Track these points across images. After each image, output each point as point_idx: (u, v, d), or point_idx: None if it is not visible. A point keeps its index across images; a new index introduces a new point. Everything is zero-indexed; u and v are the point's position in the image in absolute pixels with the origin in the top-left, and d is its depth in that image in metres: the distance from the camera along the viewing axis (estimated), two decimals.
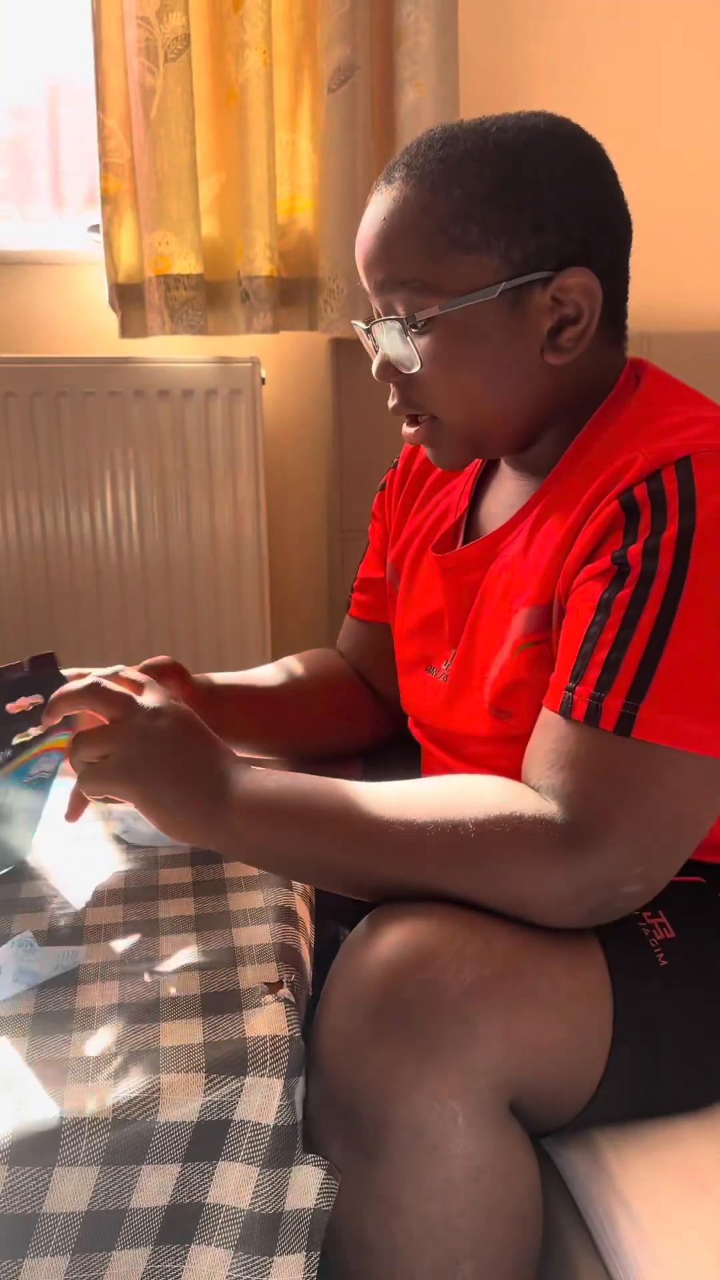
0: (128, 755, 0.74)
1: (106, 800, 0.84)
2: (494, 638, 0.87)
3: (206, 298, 1.72)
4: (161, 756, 0.75)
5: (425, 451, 0.91)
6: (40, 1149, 0.61)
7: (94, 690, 0.77)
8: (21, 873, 0.89)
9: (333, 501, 1.93)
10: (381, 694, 1.12)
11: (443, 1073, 0.65)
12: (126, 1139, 0.63)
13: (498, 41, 1.86)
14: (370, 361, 0.87)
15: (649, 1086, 0.76)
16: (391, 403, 0.87)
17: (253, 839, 0.75)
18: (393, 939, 0.68)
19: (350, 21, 1.65)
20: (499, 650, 0.85)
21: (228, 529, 1.85)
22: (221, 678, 1.06)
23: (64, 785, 0.87)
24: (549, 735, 0.74)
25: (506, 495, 0.92)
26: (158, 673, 0.94)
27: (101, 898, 0.85)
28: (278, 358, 1.90)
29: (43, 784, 0.88)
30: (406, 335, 0.81)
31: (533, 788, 0.73)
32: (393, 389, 0.86)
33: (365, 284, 0.85)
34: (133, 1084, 0.64)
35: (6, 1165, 0.60)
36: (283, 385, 1.94)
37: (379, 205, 0.82)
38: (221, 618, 1.88)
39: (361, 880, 0.74)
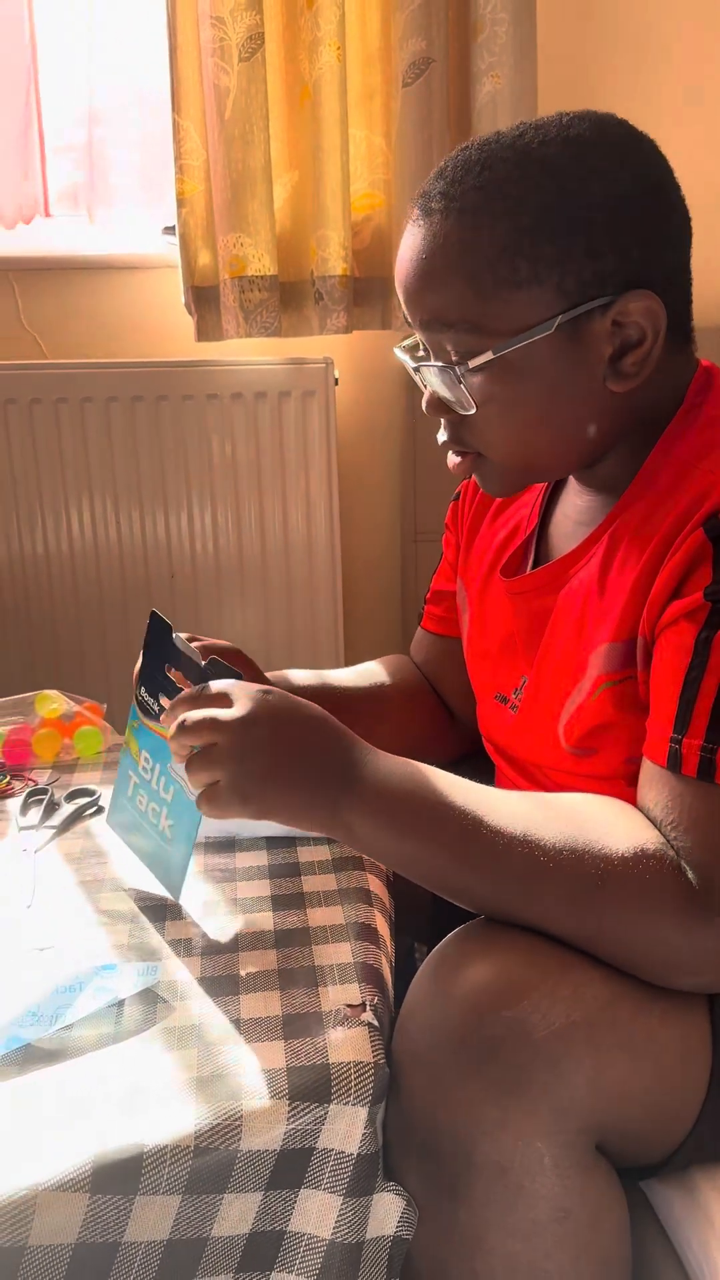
0: (235, 781, 0.71)
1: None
2: (567, 670, 0.82)
3: (280, 299, 1.71)
4: (268, 772, 0.71)
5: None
6: (122, 1177, 0.59)
7: (180, 728, 0.73)
8: (97, 886, 0.88)
9: (406, 504, 1.90)
10: (452, 708, 1.09)
11: (529, 1113, 0.62)
12: (208, 1167, 0.62)
13: (576, 31, 1.82)
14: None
15: None
16: (441, 437, 0.82)
17: (371, 841, 0.73)
18: (480, 971, 0.65)
19: (426, 13, 1.63)
20: (575, 685, 0.81)
21: (301, 531, 1.84)
22: (299, 676, 1.04)
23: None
24: (661, 791, 0.70)
25: (576, 513, 0.87)
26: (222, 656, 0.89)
27: (179, 912, 0.83)
28: (351, 358, 1.89)
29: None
30: (459, 379, 0.76)
31: None
32: (443, 423, 0.82)
33: (408, 317, 0.80)
34: (215, 1110, 0.63)
35: (88, 1193, 0.58)
36: (356, 386, 1.92)
37: (417, 239, 0.76)
38: (294, 621, 1.87)
39: (472, 900, 0.71)
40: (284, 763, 0.72)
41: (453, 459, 0.83)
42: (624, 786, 0.76)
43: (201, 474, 1.80)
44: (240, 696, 0.74)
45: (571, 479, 0.88)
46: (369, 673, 1.09)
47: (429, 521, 1.86)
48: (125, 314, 1.84)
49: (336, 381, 1.79)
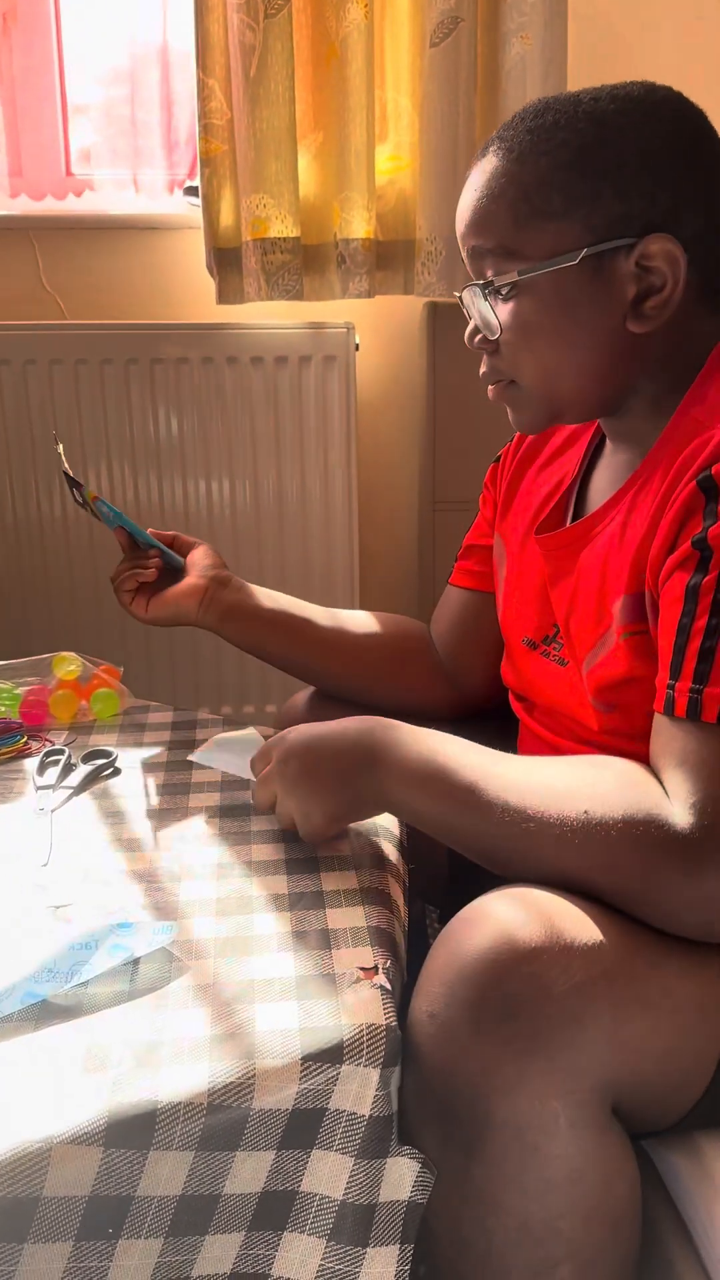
0: (299, 810, 0.83)
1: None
2: (591, 623, 0.85)
3: (303, 262, 1.69)
4: (312, 790, 0.82)
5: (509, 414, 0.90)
6: (136, 1132, 0.60)
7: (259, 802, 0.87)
8: (113, 846, 0.88)
9: (425, 472, 1.89)
10: (463, 665, 1.12)
11: (546, 1072, 0.62)
12: (221, 1124, 0.62)
13: None
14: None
15: None
16: (482, 370, 0.87)
17: (404, 807, 0.80)
18: (497, 928, 0.65)
19: None
20: (599, 637, 0.84)
21: (318, 496, 1.83)
22: (273, 601, 1.12)
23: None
24: (659, 738, 0.72)
25: (610, 470, 0.90)
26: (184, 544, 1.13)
27: (194, 873, 0.84)
28: (372, 322, 1.87)
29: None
30: (488, 300, 0.82)
31: None
32: (484, 357, 0.86)
33: (462, 249, 0.85)
34: (228, 1068, 0.63)
35: (102, 1147, 0.59)
36: (377, 352, 1.90)
37: (474, 178, 0.83)
38: (311, 584, 1.87)
39: (490, 856, 0.75)
40: (320, 778, 0.82)
41: (491, 387, 0.88)
42: (648, 745, 0.77)
43: (220, 438, 1.79)
44: (272, 746, 0.86)
45: (608, 438, 0.91)
46: (346, 615, 1.15)
47: (448, 490, 1.84)
48: (146, 275, 1.83)
49: (357, 347, 1.78)
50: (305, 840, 0.85)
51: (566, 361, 0.82)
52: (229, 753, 1.03)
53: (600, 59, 1.78)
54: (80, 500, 1.15)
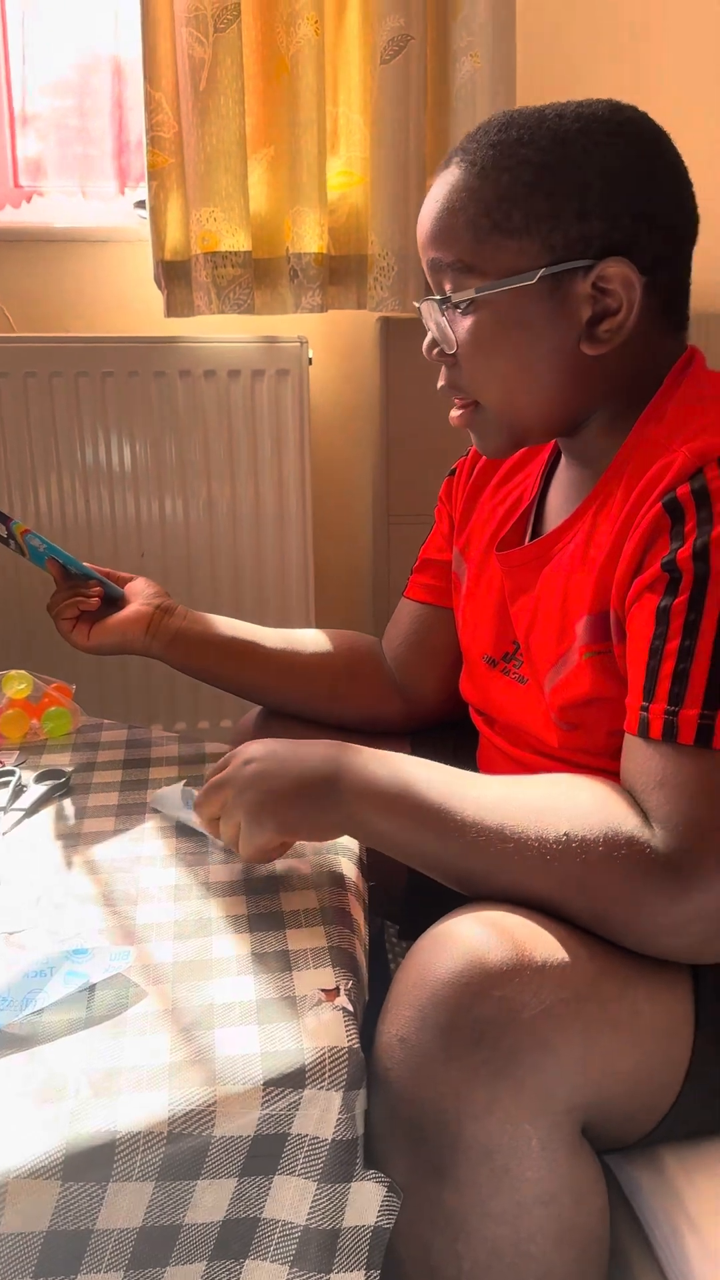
0: (249, 815, 0.78)
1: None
2: (552, 641, 0.85)
3: (254, 276, 1.69)
4: (269, 793, 0.78)
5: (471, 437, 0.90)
6: (94, 1164, 0.58)
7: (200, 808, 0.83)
8: (67, 869, 0.87)
9: (379, 485, 1.89)
10: (415, 679, 1.11)
11: (517, 1095, 0.62)
12: (182, 1153, 0.61)
13: (556, 11, 1.80)
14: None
15: None
16: (440, 383, 0.87)
17: (366, 829, 0.77)
18: (467, 950, 0.65)
19: None
20: (561, 656, 0.84)
21: (272, 511, 1.82)
22: (219, 626, 1.11)
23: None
24: (634, 759, 0.72)
25: (566, 487, 0.91)
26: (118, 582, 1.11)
27: (151, 896, 0.82)
28: (325, 337, 1.87)
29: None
30: (444, 315, 0.82)
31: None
32: (442, 369, 0.86)
33: (422, 261, 0.85)
34: (188, 1096, 0.62)
35: (60, 1181, 0.58)
36: (330, 365, 1.90)
37: (435, 188, 0.83)
38: (265, 601, 1.86)
39: (460, 877, 0.73)
40: (282, 797, 0.78)
41: (454, 413, 0.88)
42: (609, 762, 0.77)
43: (173, 452, 1.77)
44: (230, 757, 0.83)
45: (564, 455, 0.91)
46: (294, 635, 1.14)
47: (402, 503, 1.85)
48: (96, 288, 1.81)
49: (311, 361, 1.77)
50: (245, 858, 0.81)
51: (522, 380, 0.82)
52: (167, 808, 0.95)
53: (549, 78, 1.80)
54: (6, 535, 1.12)
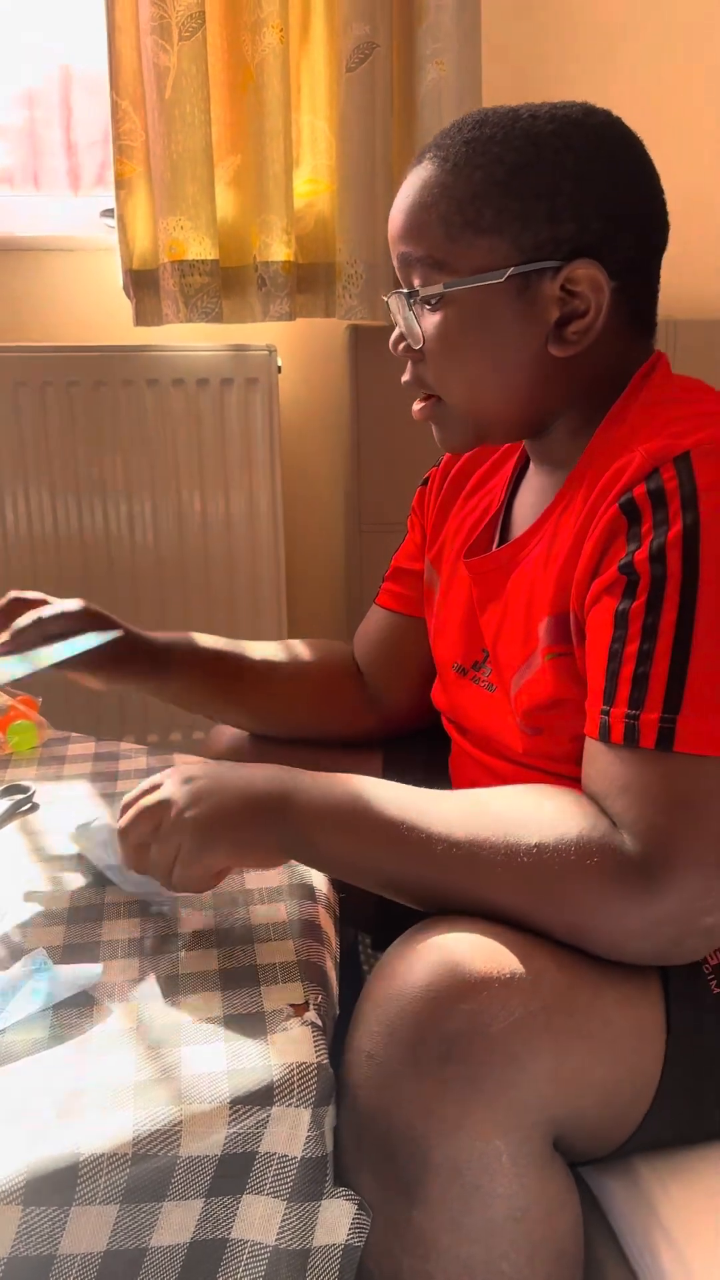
0: (192, 835, 0.73)
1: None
2: (518, 645, 0.85)
3: (222, 284, 1.68)
4: (214, 812, 0.74)
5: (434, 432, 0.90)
6: (57, 1187, 0.57)
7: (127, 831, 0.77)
8: (30, 885, 0.85)
9: (350, 493, 1.89)
10: (384, 684, 1.10)
11: (487, 1110, 0.61)
12: (147, 1174, 0.59)
13: (521, 19, 1.81)
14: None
15: (695, 1114, 0.72)
16: (405, 377, 0.87)
17: (320, 851, 0.74)
18: (434, 963, 0.64)
19: None
20: (526, 659, 0.83)
21: (243, 520, 1.81)
22: (172, 640, 1.06)
23: None
24: (596, 764, 0.71)
25: (534, 492, 0.90)
26: (75, 619, 0.96)
27: (117, 910, 0.81)
28: (294, 345, 1.86)
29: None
30: (412, 310, 0.82)
31: None
32: (408, 364, 0.86)
33: (392, 256, 0.85)
34: (153, 1116, 0.61)
35: (21, 1205, 0.56)
36: (299, 374, 1.90)
37: (408, 184, 0.82)
38: (237, 610, 1.85)
39: (423, 894, 0.71)
40: (227, 822, 0.74)
41: (416, 406, 0.88)
42: (574, 768, 0.77)
43: (141, 462, 1.76)
44: (164, 778, 0.78)
45: (531, 460, 0.91)
46: (263, 648, 1.12)
47: (373, 511, 1.84)
48: (62, 297, 1.80)
49: (280, 369, 1.77)
50: (177, 887, 0.75)
51: (488, 379, 0.82)
52: (92, 843, 0.88)
53: (514, 87, 1.81)
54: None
